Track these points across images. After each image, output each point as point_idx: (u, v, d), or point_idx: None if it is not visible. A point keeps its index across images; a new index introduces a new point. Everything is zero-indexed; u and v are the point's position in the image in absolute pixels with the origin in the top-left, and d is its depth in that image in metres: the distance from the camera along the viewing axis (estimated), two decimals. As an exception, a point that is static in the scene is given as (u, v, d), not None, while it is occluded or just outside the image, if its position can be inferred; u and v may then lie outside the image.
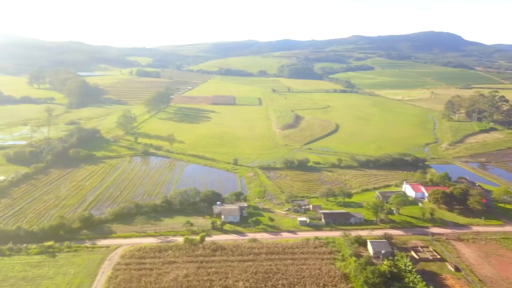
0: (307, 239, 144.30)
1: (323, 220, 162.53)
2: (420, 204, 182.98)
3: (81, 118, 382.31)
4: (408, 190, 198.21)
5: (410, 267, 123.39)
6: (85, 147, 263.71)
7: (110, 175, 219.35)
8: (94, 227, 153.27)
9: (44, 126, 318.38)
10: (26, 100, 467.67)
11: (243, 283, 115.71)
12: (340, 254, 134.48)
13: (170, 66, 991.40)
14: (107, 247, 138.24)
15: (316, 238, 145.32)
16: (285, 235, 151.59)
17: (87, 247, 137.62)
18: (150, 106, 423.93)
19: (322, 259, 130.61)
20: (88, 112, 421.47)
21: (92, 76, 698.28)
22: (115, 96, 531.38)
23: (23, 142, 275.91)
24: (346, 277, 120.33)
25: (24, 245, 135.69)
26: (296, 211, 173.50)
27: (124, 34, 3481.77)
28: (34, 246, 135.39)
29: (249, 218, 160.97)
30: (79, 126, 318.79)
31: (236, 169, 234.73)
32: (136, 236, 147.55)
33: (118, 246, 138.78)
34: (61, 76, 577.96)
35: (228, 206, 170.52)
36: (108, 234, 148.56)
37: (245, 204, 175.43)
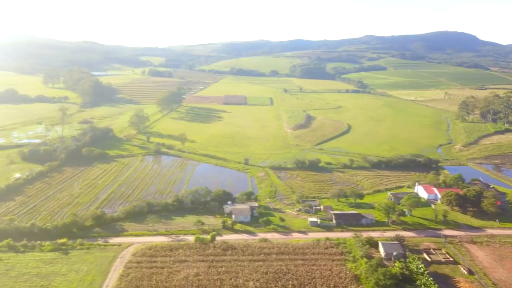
0: (318, 240, 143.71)
1: (334, 221, 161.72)
2: (433, 206, 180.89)
3: (94, 117, 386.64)
4: (421, 191, 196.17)
5: (422, 269, 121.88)
6: (98, 146, 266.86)
7: (123, 173, 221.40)
8: (106, 225, 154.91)
9: (58, 125, 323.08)
10: (40, 99, 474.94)
11: (254, 283, 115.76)
12: (351, 255, 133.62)
13: (182, 66, 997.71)
14: (119, 245, 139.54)
15: (327, 238, 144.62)
16: (295, 235, 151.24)
17: (99, 245, 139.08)
18: (162, 106, 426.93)
19: (333, 260, 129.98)
20: (101, 111, 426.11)
21: (105, 75, 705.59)
22: (128, 95, 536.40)
23: (38, 141, 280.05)
24: (357, 279, 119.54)
25: (38, 242, 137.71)
26: (307, 212, 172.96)
27: (137, 34, 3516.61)
28: (47, 243, 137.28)
29: (259, 218, 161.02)
30: (93, 125, 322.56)
31: (247, 169, 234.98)
32: (148, 235, 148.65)
33: (130, 244, 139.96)
34: (75, 76, 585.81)
35: (239, 206, 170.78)
36: (120, 232, 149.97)
37: (256, 204, 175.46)
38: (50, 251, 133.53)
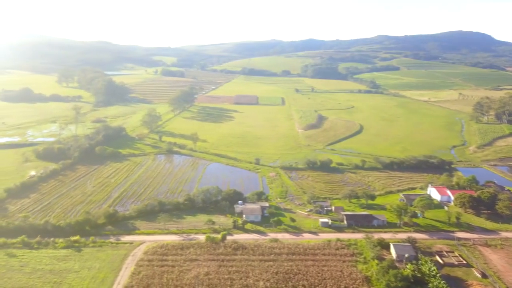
0: (329, 241, 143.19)
1: (345, 222, 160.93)
2: (446, 208, 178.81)
3: (107, 116, 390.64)
4: (434, 193, 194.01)
5: (434, 272, 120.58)
6: (110, 145, 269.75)
7: (135, 172, 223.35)
8: (118, 223, 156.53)
9: (72, 124, 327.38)
10: (55, 98, 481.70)
11: (264, 283, 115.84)
12: (362, 256, 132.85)
13: (194, 66, 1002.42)
14: (131, 243, 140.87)
15: (338, 239, 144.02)
16: (306, 236, 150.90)
17: (112, 243, 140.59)
18: (174, 105, 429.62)
19: (344, 261, 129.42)
20: (114, 110, 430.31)
21: (118, 75, 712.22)
22: (141, 95, 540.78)
23: (52, 139, 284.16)
24: (368, 280, 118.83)
25: (52, 239, 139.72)
26: (318, 212, 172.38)
27: (150, 34, 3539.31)
28: (61, 240, 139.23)
29: (270, 218, 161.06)
30: (105, 124, 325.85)
31: (258, 169, 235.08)
32: (159, 233, 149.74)
33: (141, 243, 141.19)
34: (88, 75, 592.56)
35: (249, 206, 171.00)
36: (131, 231, 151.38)
37: (267, 204, 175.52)
38: (63, 248, 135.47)
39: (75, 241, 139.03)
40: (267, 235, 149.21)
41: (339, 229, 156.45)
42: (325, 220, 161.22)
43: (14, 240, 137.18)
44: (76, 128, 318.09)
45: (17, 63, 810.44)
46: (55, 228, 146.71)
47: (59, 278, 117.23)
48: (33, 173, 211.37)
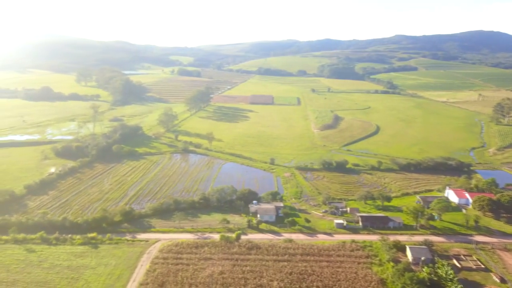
0: (344, 242, 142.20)
1: (360, 223, 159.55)
2: (464, 211, 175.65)
3: (124, 115, 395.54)
4: (451, 195, 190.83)
5: (451, 275, 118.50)
6: (127, 143, 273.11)
7: (151, 171, 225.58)
8: (134, 221, 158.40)
9: (90, 122, 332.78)
10: (73, 97, 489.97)
11: (278, 283, 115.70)
12: (377, 258, 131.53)
13: (211, 66, 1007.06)
14: (146, 241, 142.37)
15: (353, 241, 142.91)
16: (321, 237, 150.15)
17: (128, 240, 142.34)
18: (190, 105, 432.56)
19: (359, 263, 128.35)
20: (131, 109, 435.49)
21: (135, 74, 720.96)
22: (157, 94, 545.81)
23: (71, 137, 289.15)
24: (383, 283, 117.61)
25: (69, 235, 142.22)
26: (333, 213, 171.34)
27: (167, 34, 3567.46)
28: (78, 236, 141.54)
29: (285, 218, 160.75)
30: (123, 123, 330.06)
31: (272, 169, 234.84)
32: (174, 232, 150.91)
33: (157, 241, 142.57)
34: (106, 74, 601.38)
35: (264, 205, 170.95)
36: (147, 228, 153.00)
37: (281, 204, 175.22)
38: (80, 244, 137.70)
39: (92, 238, 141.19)
40: (282, 235, 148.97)
41: (354, 231, 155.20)
42: (340, 221, 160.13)
43: (33, 236, 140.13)
44: (94, 126, 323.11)
45: (37, 63, 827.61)
46: (72, 224, 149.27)
47: (76, 274, 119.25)
48: (52, 170, 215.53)
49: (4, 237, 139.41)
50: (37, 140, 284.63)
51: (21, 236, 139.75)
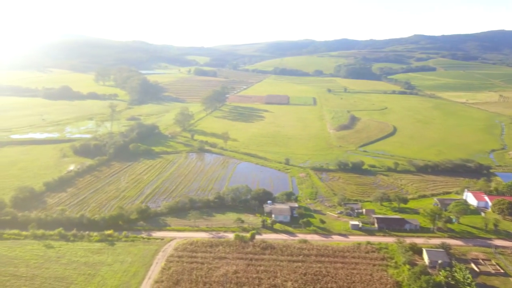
0: (359, 244, 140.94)
1: (376, 225, 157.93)
2: (483, 214, 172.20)
3: (141, 114, 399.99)
4: (470, 198, 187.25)
5: (469, 280, 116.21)
6: (144, 142, 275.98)
7: (167, 170, 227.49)
8: (150, 219, 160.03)
9: (108, 121, 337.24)
10: (92, 96, 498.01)
11: (292, 284, 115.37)
12: (393, 261, 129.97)
13: (227, 66, 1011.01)
14: (162, 239, 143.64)
15: (368, 243, 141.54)
16: (336, 238, 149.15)
17: (143, 238, 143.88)
18: (206, 104, 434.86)
19: (374, 265, 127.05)
20: (148, 108, 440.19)
21: (152, 74, 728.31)
22: (174, 93, 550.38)
23: (89, 136, 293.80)
24: (398, 285, 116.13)
25: (87, 232, 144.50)
26: (349, 215, 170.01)
27: (184, 34, 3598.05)
28: (95, 233, 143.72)
29: (299, 219, 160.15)
30: (139, 122, 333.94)
31: (287, 169, 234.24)
32: (189, 230, 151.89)
33: (172, 239, 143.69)
34: (124, 74, 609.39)
35: (278, 206, 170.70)
36: (163, 227, 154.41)
37: (296, 205, 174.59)
38: (97, 241, 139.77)
39: (109, 235, 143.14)
40: (296, 236, 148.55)
41: (370, 232, 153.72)
42: (356, 222, 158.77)
43: (51, 232, 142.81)
44: (112, 125, 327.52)
45: (57, 62, 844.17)
46: (90, 222, 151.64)
47: (93, 270, 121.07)
48: (70, 168, 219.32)
49: (24, 232, 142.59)
50: (56, 138, 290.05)
51: (40, 232, 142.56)
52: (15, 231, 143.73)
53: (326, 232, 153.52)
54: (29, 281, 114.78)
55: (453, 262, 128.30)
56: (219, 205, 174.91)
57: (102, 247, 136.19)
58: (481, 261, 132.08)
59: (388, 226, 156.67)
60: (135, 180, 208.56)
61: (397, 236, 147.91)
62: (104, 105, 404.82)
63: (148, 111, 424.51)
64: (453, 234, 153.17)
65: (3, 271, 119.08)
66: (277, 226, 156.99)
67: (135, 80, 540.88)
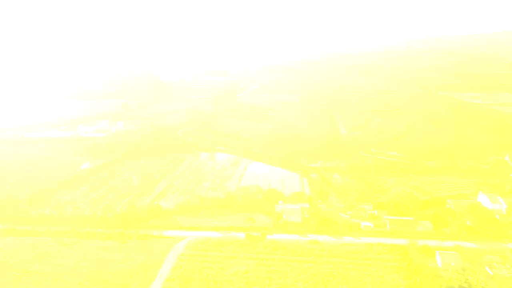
0: (370, 245, 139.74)
1: (388, 227, 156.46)
2: (498, 217, 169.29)
3: (154, 113, 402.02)
4: (484, 200, 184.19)
5: (482, 283, 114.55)
6: (156, 141, 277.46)
7: (178, 168, 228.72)
8: (161, 218, 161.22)
9: (121, 120, 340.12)
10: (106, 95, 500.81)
11: (302, 284, 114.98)
12: (405, 263, 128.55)
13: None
14: (173, 237, 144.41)
15: (380, 244, 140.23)
16: (347, 239, 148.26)
17: (155, 236, 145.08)
18: (218, 104, 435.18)
19: (385, 267, 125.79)
20: (160, 107, 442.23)
21: (165, 73, 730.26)
22: (186, 93, 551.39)
23: (102, 135, 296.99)
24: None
25: (99, 230, 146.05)
26: (360, 216, 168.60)
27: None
28: (107, 231, 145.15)
29: (310, 220, 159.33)
30: (152, 121, 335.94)
31: (299, 169, 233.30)
32: (200, 229, 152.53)
33: (183, 238, 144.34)
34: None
35: (289, 206, 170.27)
36: (174, 225, 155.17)
37: (307, 205, 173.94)
38: (109, 239, 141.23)
39: (121, 233, 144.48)
40: (307, 236, 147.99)
41: (382, 234, 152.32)
42: (367, 223, 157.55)
43: (64, 229, 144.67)
44: (125, 124, 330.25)
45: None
46: (102, 219, 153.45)
47: (104, 268, 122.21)
48: (83, 166, 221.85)
49: (38, 229, 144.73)
50: (70, 137, 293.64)
51: (53, 229, 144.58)
52: (29, 227, 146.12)
53: (337, 233, 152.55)
54: (42, 277, 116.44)
55: (466, 265, 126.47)
56: (230, 204, 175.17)
57: (114, 244, 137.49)
58: (495, 264, 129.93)
59: (400, 227, 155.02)
60: (147, 178, 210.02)
61: (409, 238, 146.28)
62: (118, 104, 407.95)
63: (161, 110, 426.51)
64: (467, 237, 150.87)
65: (16, 267, 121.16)
66: (288, 226, 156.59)
67: (148, 79, 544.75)
